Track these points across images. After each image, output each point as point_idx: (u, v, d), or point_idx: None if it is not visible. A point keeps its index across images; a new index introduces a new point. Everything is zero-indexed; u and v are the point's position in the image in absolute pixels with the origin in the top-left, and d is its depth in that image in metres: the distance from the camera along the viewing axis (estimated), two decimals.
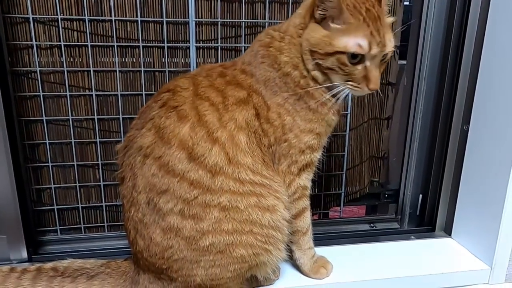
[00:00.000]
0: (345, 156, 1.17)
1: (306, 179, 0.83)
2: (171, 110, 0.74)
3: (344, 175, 1.18)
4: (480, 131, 1.01)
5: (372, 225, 1.22)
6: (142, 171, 0.74)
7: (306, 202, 0.85)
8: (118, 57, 0.99)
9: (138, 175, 0.75)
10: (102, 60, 0.99)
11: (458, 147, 1.08)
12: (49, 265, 0.85)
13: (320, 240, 1.06)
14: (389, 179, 1.27)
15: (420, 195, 1.19)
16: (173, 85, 0.78)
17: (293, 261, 0.91)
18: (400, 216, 1.21)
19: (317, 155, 0.83)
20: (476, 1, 0.99)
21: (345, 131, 1.14)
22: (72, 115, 1.00)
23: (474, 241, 1.04)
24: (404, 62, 1.16)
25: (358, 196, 1.25)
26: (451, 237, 1.12)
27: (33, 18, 0.93)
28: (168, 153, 0.72)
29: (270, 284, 0.88)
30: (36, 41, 0.94)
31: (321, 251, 0.97)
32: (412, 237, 1.14)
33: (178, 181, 0.72)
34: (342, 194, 1.20)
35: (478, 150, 1.01)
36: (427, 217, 1.18)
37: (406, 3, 1.12)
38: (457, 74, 1.06)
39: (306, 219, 0.86)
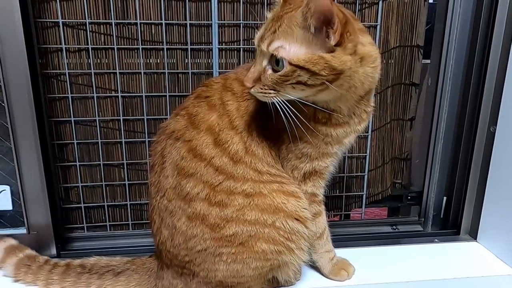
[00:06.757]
0: (367, 157, 1.16)
1: (313, 187, 0.82)
2: (203, 100, 0.79)
3: (366, 176, 1.17)
4: (507, 133, 0.98)
5: (394, 227, 1.20)
6: (172, 155, 0.77)
7: (317, 208, 0.84)
8: (143, 59, 1.02)
9: (167, 160, 0.77)
10: (128, 61, 1.02)
11: (485, 148, 1.06)
12: (77, 261, 0.89)
13: (342, 241, 1.06)
14: (412, 181, 1.25)
15: (445, 198, 1.17)
16: (208, 81, 0.84)
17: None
18: (423, 219, 1.20)
19: (322, 164, 0.79)
20: None
21: (367, 132, 1.13)
22: (98, 116, 1.03)
23: (501, 245, 1.02)
24: (428, 61, 1.14)
25: (380, 197, 1.23)
26: (476, 241, 1.10)
27: (62, 22, 0.96)
28: (197, 138, 0.76)
29: (292, 285, 0.88)
30: (65, 44, 0.98)
31: (343, 252, 0.96)
32: (436, 240, 1.12)
33: (205, 166, 0.75)
34: (364, 195, 1.19)
35: (506, 152, 0.99)
36: (452, 220, 1.16)
37: (431, 0, 1.10)
38: (483, 73, 1.03)
39: (320, 224, 0.85)
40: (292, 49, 0.65)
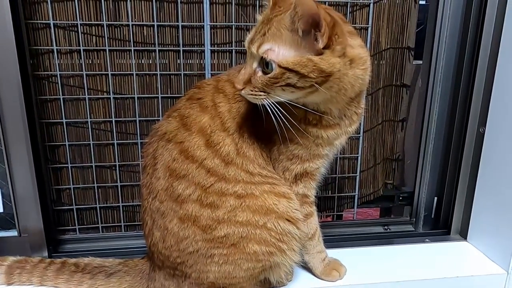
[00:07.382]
0: (359, 158, 1.17)
1: (305, 188, 0.82)
2: (195, 102, 0.79)
3: (358, 177, 1.18)
4: (496, 134, 0.99)
5: (386, 227, 1.21)
6: (163, 156, 0.77)
7: (309, 209, 0.85)
8: (135, 60, 1.01)
9: (158, 161, 0.78)
10: (120, 62, 1.02)
11: (474, 149, 1.07)
12: (72, 260, 0.89)
13: (334, 242, 1.07)
14: (404, 181, 1.26)
15: (435, 198, 1.18)
16: (200, 82, 0.84)
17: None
18: (414, 219, 1.21)
19: (313, 166, 0.80)
20: (493, 0, 0.98)
21: (359, 134, 1.14)
22: (90, 118, 1.03)
23: (490, 244, 1.03)
24: (420, 62, 1.15)
25: (372, 198, 1.24)
26: (466, 241, 1.11)
27: (53, 23, 0.96)
28: (188, 139, 0.76)
29: (283, 286, 0.89)
30: (56, 45, 0.97)
31: (335, 253, 0.97)
32: (427, 240, 1.13)
33: (197, 167, 0.75)
34: (356, 196, 1.20)
35: (495, 152, 1.00)
36: (442, 220, 1.17)
37: (422, 2, 1.12)
38: (473, 75, 1.05)
39: (311, 225, 0.86)
40: (281, 51, 0.66)
